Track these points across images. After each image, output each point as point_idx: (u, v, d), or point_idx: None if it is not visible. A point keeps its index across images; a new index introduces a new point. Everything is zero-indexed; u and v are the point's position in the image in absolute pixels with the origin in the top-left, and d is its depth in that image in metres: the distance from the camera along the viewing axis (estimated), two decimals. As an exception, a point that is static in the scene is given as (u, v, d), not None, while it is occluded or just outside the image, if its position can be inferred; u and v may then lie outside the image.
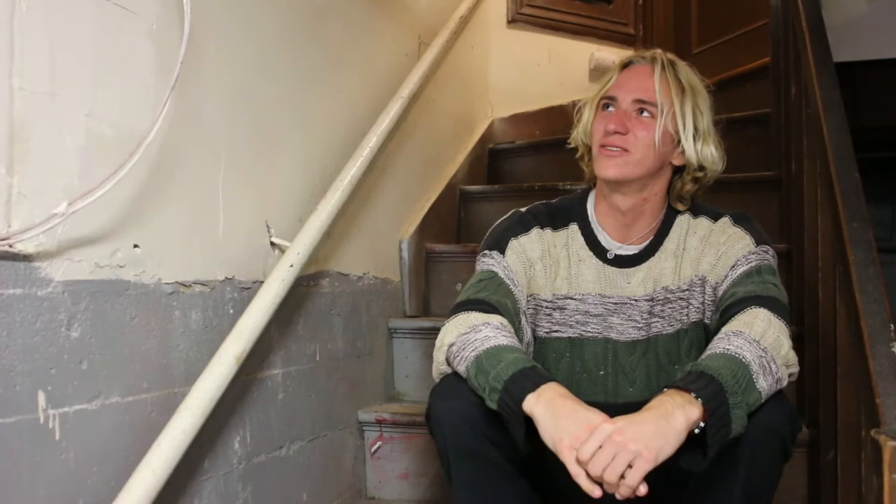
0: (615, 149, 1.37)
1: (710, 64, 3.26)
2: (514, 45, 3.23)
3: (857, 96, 2.42)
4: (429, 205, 2.44)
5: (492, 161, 3.00)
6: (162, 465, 1.22)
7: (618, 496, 1.10)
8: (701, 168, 1.42)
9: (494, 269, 1.44)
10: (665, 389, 1.15)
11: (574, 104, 1.53)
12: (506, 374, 1.19)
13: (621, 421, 1.10)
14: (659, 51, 1.45)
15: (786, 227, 2.08)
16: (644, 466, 1.07)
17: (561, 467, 1.44)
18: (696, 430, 1.12)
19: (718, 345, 1.22)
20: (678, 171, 1.45)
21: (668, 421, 1.09)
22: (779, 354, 1.21)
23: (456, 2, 2.71)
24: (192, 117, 1.40)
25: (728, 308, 1.30)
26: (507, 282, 1.43)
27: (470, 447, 1.26)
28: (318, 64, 1.84)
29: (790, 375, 1.25)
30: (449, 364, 1.31)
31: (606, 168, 1.38)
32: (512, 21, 3.26)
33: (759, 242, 1.39)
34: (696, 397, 1.12)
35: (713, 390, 1.13)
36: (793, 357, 1.26)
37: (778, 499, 1.32)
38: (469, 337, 1.28)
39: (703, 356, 1.23)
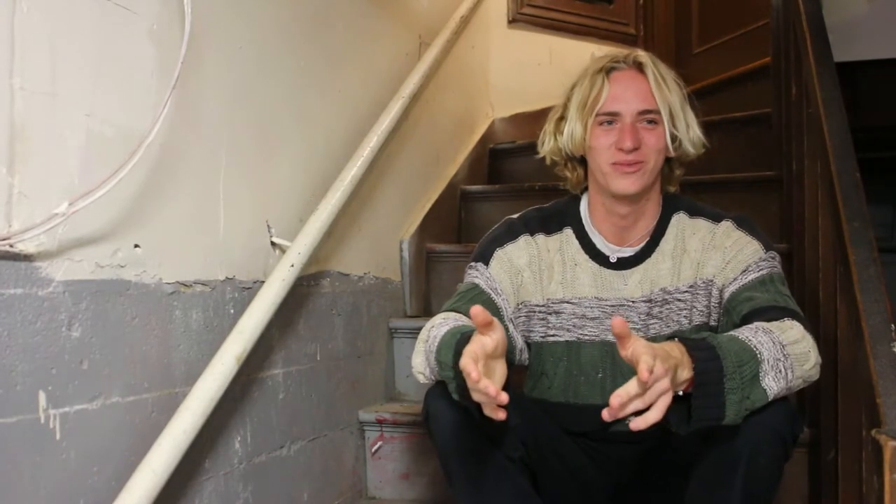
0: (632, 164, 1.37)
1: (710, 64, 3.27)
2: (514, 44, 3.23)
3: (858, 96, 2.42)
4: (429, 205, 2.45)
5: (492, 161, 3.00)
6: (162, 465, 1.22)
7: None
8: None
9: (476, 280, 1.46)
10: (676, 339, 1.15)
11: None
12: (449, 357, 1.20)
13: None
14: (641, 53, 1.42)
15: (786, 227, 2.08)
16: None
17: (561, 464, 1.44)
18: (680, 393, 1.12)
19: (743, 332, 1.21)
20: (667, 158, 1.44)
21: (674, 370, 1.08)
22: (800, 367, 1.20)
23: (456, 2, 2.71)
24: (193, 117, 1.40)
25: (753, 313, 1.29)
26: (489, 292, 1.44)
27: (469, 446, 1.26)
28: (318, 64, 1.84)
29: (803, 384, 1.25)
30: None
31: (627, 185, 1.38)
32: (513, 21, 3.26)
33: (767, 248, 1.39)
34: (692, 363, 1.12)
35: (709, 366, 1.12)
36: (815, 375, 1.24)
37: (778, 499, 1.32)
38: (428, 346, 1.31)
39: (725, 333, 1.23)
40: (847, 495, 1.38)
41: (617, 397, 1.03)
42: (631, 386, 1.03)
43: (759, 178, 2.33)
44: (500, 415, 1.09)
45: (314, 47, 1.82)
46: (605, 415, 1.04)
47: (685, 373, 1.11)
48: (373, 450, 1.99)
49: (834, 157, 1.51)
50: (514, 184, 2.77)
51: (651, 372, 1.02)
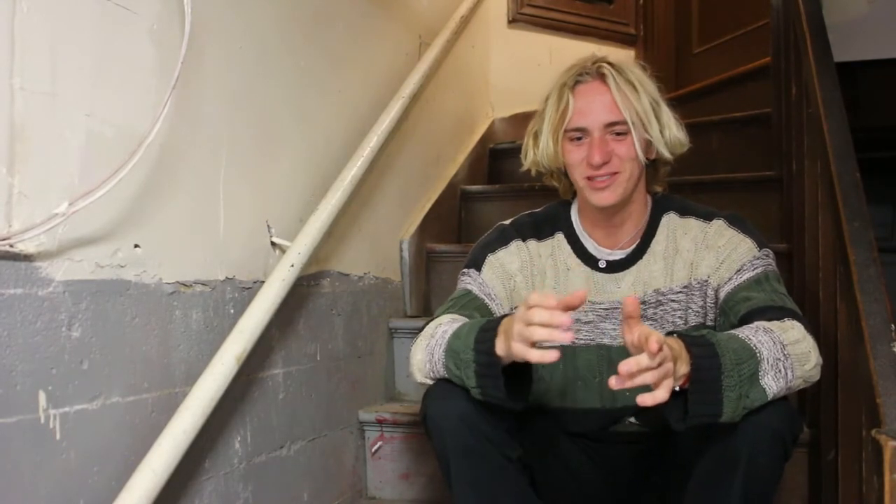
0: (604, 177, 1.37)
1: (710, 64, 3.27)
2: (514, 44, 3.23)
3: (858, 96, 2.41)
4: (429, 205, 2.45)
5: (492, 161, 3.00)
6: (162, 465, 1.22)
7: None
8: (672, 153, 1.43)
9: (469, 286, 1.47)
10: (675, 335, 1.16)
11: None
12: (470, 340, 1.23)
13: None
14: (604, 63, 1.41)
15: (786, 227, 2.08)
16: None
17: (560, 465, 1.44)
18: (677, 388, 1.13)
19: (743, 331, 1.22)
20: (650, 161, 1.44)
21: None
22: (801, 367, 1.20)
23: (456, 1, 2.71)
24: (193, 117, 1.40)
25: (751, 314, 1.29)
26: (483, 297, 1.44)
27: (468, 446, 1.26)
28: (318, 64, 1.84)
29: (804, 384, 1.25)
30: (430, 375, 1.34)
31: (602, 199, 1.38)
32: (513, 21, 3.26)
33: (760, 246, 1.39)
34: (690, 359, 1.13)
35: (707, 363, 1.13)
36: (815, 376, 1.25)
37: (778, 499, 1.32)
38: (434, 342, 1.32)
39: (725, 332, 1.24)
40: (847, 495, 1.38)
41: (626, 365, 1.04)
42: (642, 358, 1.04)
43: (759, 178, 2.33)
44: (551, 357, 1.11)
45: (314, 47, 1.82)
46: (613, 382, 1.05)
47: (683, 367, 1.12)
48: (373, 450, 1.99)
49: (834, 157, 1.51)
50: (514, 184, 2.77)
51: (661, 348, 1.03)
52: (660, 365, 1.06)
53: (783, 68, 2.18)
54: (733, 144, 2.54)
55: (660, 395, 1.06)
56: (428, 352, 1.32)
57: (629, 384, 1.06)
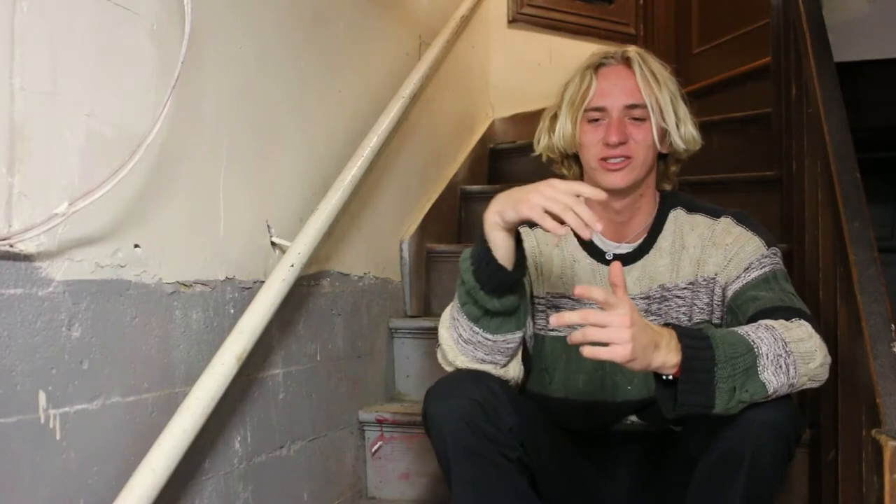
0: (619, 159, 1.37)
1: (710, 63, 3.27)
2: (514, 44, 3.23)
3: (858, 96, 2.42)
4: (430, 205, 2.45)
5: (493, 161, 3.00)
6: (163, 465, 1.22)
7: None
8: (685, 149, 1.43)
9: None
10: (670, 326, 1.18)
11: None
12: (465, 257, 1.30)
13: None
14: (631, 48, 1.43)
15: (787, 227, 2.08)
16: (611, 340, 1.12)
17: (560, 466, 1.44)
18: (667, 377, 1.15)
19: (744, 327, 1.22)
20: (661, 155, 1.45)
21: (652, 346, 1.13)
22: (805, 364, 1.20)
23: (457, 1, 2.71)
24: (193, 117, 1.40)
25: (759, 314, 1.28)
26: None
27: (469, 446, 1.26)
28: (318, 64, 1.84)
29: (811, 382, 1.24)
30: (455, 330, 1.35)
31: (616, 180, 1.38)
32: (513, 21, 3.26)
33: (769, 244, 1.39)
34: (682, 349, 1.14)
35: (699, 353, 1.14)
36: (822, 374, 1.24)
37: (778, 499, 1.32)
38: (452, 308, 1.36)
39: (724, 328, 1.24)
40: (847, 495, 1.38)
41: (582, 288, 1.12)
42: (602, 296, 1.11)
43: (759, 178, 2.34)
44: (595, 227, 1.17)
45: (314, 47, 1.82)
46: (553, 320, 1.13)
47: (672, 357, 1.13)
48: (373, 450, 1.99)
49: (834, 157, 1.51)
50: (515, 184, 2.76)
51: (622, 277, 1.14)
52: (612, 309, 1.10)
53: (783, 68, 2.18)
54: (733, 144, 2.55)
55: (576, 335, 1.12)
56: (450, 318, 1.35)
57: (561, 321, 1.11)
